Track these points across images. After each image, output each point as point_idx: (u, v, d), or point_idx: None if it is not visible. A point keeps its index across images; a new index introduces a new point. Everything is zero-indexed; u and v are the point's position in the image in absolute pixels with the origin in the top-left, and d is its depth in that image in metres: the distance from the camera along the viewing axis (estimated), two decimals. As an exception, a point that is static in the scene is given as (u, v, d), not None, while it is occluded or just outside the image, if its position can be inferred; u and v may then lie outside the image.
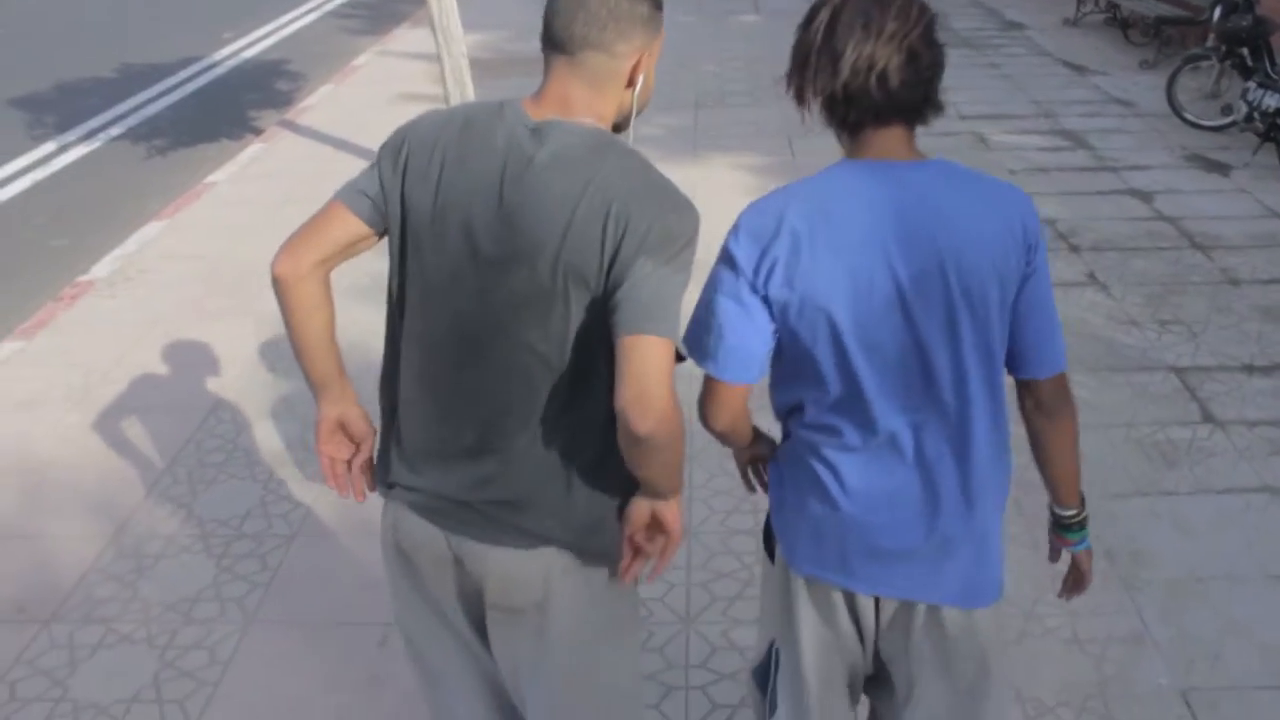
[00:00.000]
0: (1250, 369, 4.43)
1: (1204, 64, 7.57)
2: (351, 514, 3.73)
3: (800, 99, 1.71)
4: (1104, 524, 3.51)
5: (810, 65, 1.67)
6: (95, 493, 3.94)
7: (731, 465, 2.31)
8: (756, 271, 1.66)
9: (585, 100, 1.73)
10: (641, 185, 1.67)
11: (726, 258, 1.69)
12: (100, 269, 5.94)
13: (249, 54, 11.77)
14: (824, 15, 1.65)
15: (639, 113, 1.83)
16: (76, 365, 4.86)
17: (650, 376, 1.56)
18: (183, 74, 10.69)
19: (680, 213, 1.66)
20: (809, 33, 1.68)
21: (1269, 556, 3.38)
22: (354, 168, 7.36)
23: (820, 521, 1.83)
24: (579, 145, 1.69)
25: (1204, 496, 3.67)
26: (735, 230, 1.69)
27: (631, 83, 1.76)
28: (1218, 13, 7.39)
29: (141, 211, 6.89)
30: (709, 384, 1.76)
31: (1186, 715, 2.82)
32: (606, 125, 1.77)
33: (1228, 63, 7.27)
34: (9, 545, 3.69)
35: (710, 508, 3.66)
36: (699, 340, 1.73)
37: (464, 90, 6.46)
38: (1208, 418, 4.10)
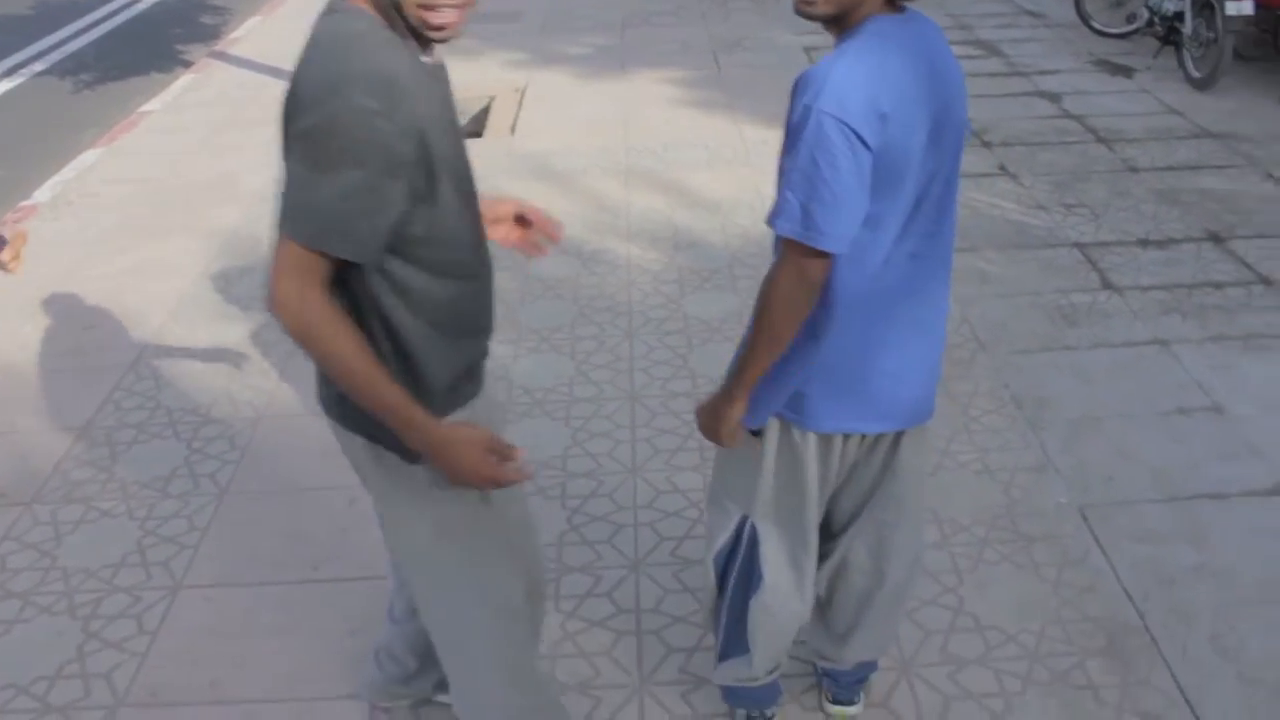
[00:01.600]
0: (1145, 243, 4.79)
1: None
2: (310, 393, 3.94)
3: None
4: (1011, 374, 3.85)
5: None
6: (60, 392, 4.10)
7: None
8: (867, 138, 1.70)
9: None
10: (307, 73, 1.64)
11: (842, 131, 1.68)
12: (41, 194, 6.01)
13: (171, -10, 11.63)
14: None
15: None
16: (26, 282, 4.96)
17: (271, 274, 1.63)
18: (103, 10, 10.58)
19: (320, 104, 1.58)
20: None
21: (1159, 396, 3.74)
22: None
23: (865, 378, 1.97)
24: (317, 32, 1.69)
25: (1101, 350, 4.02)
26: (843, 105, 1.68)
27: None
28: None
29: (77, 141, 6.93)
30: (809, 264, 1.78)
31: (1083, 526, 3.16)
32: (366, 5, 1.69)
33: (1130, -30, 7.61)
34: (-16, 435, 3.86)
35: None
36: (813, 220, 1.73)
37: None
38: (1106, 285, 4.45)
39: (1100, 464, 3.43)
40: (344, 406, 1.84)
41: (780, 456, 2.09)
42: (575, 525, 3.23)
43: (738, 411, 2.00)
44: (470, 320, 1.90)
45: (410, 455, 1.85)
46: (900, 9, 1.81)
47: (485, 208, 1.99)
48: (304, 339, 1.66)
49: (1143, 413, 3.66)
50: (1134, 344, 4.04)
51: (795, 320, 1.84)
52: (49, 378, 4.20)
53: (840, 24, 1.81)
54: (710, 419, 2.06)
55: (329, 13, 1.70)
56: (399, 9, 1.66)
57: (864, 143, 1.69)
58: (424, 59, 1.74)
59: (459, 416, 1.90)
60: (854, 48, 1.74)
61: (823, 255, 1.77)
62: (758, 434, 2.08)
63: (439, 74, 1.80)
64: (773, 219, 1.78)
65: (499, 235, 2.17)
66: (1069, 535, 3.14)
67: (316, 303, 1.64)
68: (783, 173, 1.79)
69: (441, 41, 1.72)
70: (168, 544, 3.29)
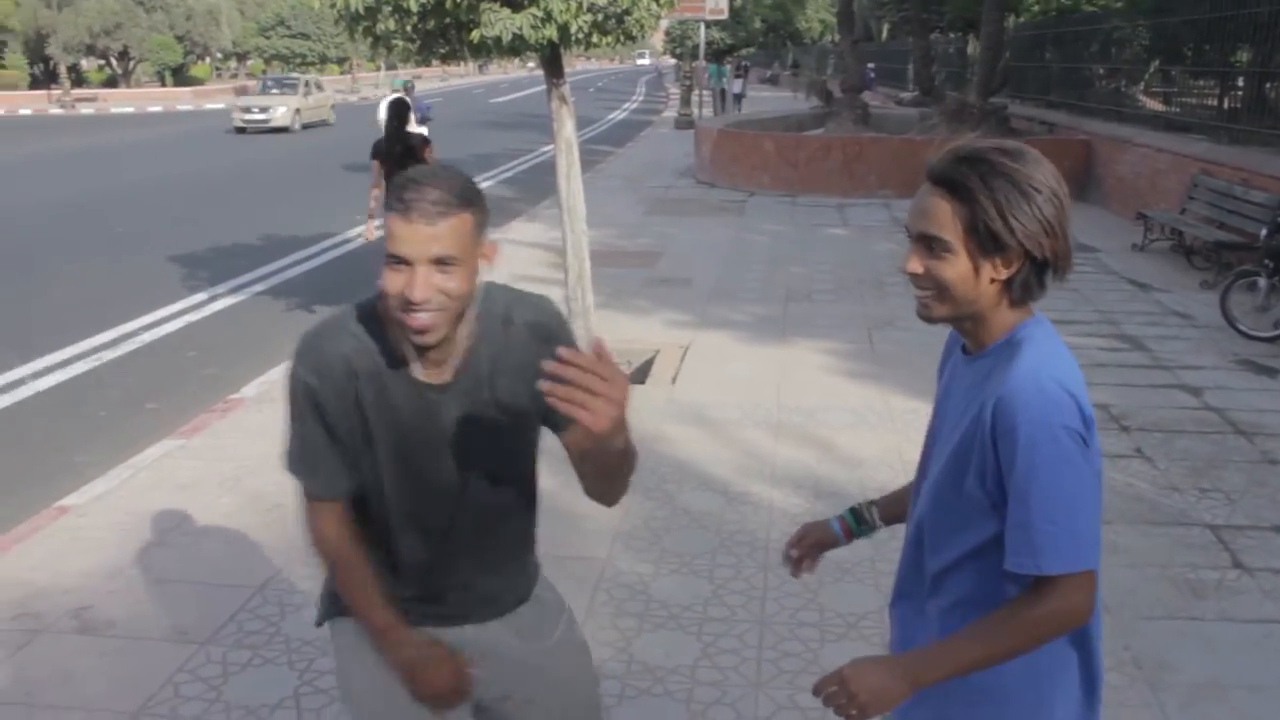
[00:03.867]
0: (1281, 530, 4.86)
1: (1255, 280, 8.17)
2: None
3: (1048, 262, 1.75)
4: (1132, 637, 3.94)
5: (1058, 230, 1.73)
6: (246, 554, 4.57)
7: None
8: (1089, 442, 1.71)
9: None
10: None
11: (1078, 438, 1.68)
12: (249, 390, 6.75)
13: (378, 234, 12.98)
14: (1057, 184, 1.74)
15: None
16: (228, 460, 5.57)
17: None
18: (318, 246, 11.90)
19: None
20: (1058, 198, 1.73)
21: (1284, 673, 3.77)
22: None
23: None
24: None
25: (1229, 624, 4.08)
26: (1077, 406, 1.69)
27: None
28: (1264, 232, 8.02)
29: (282, 350, 7.71)
30: (1083, 595, 1.70)
31: (1197, 786, 3.19)
32: None
33: (1277, 279, 7.87)
34: (176, 587, 4.32)
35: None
36: (1083, 543, 1.68)
37: (581, 264, 7.29)
38: (1237, 564, 4.52)
39: (1225, 730, 3.46)
40: None
41: None
42: (698, 725, 3.43)
43: (906, 691, 1.74)
44: (389, 562, 2.09)
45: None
46: (1029, 310, 1.82)
47: None
48: (313, 552, 2.09)
49: (1271, 686, 3.69)
50: (1264, 621, 4.09)
51: (1049, 636, 1.75)
52: (235, 541, 4.68)
53: (977, 326, 1.82)
54: (871, 686, 1.73)
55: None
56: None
57: (1087, 445, 1.69)
58: (417, 375, 1.94)
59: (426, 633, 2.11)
60: (1038, 352, 1.73)
61: (1090, 574, 1.69)
62: None
63: (423, 390, 1.96)
64: (1036, 562, 1.67)
65: None
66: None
67: (314, 524, 2.05)
68: (1023, 504, 1.68)
69: (428, 346, 1.86)
70: (321, 695, 3.62)
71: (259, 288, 10.01)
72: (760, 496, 5.19)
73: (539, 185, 12.14)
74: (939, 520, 1.88)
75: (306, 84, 34.56)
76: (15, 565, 4.57)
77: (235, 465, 5.53)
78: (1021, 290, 1.77)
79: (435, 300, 1.78)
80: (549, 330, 2.00)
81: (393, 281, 1.78)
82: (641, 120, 34.75)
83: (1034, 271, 1.75)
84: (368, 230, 8.85)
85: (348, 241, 12.42)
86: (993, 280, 1.75)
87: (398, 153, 8.28)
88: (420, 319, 1.79)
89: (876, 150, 16.27)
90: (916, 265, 1.79)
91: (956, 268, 1.75)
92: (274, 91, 34.00)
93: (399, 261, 1.77)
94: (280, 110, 31.94)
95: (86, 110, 38.10)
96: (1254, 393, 6.84)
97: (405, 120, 8.54)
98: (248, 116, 31.91)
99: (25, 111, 32.50)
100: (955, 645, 1.76)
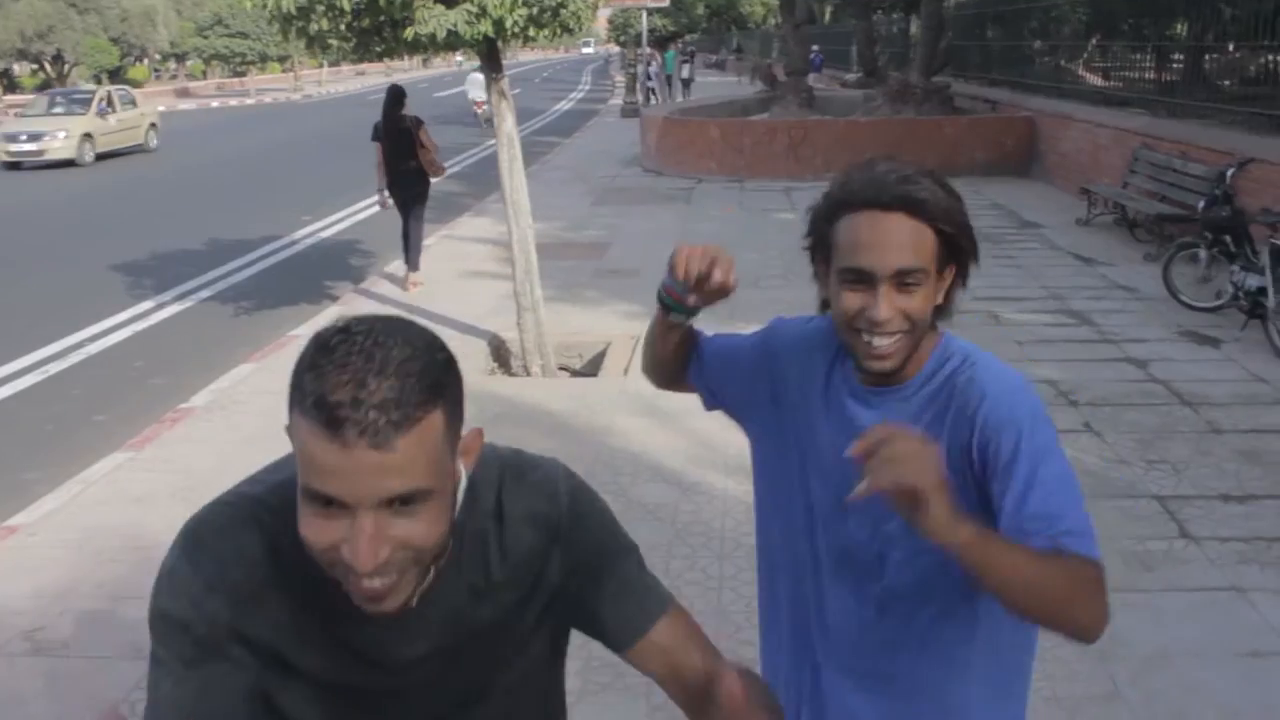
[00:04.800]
0: (1226, 498, 4.95)
1: (1196, 251, 8.30)
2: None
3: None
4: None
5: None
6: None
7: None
8: None
9: None
10: None
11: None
12: (198, 399, 6.68)
13: (325, 235, 12.91)
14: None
15: None
16: (180, 471, 5.51)
17: None
18: (265, 249, 11.77)
19: None
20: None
21: (1233, 638, 3.85)
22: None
23: None
24: None
25: (1176, 594, 4.16)
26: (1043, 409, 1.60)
27: None
28: (1201, 204, 8.16)
29: (231, 356, 7.69)
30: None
31: (1149, 755, 3.25)
32: None
33: (1215, 250, 8.01)
34: (130, 604, 4.26)
35: None
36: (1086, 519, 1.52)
37: (528, 258, 7.27)
38: (1184, 534, 4.61)
39: (1170, 698, 3.53)
40: None
41: None
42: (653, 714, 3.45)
43: (957, 535, 1.36)
44: None
45: None
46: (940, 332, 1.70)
47: None
48: None
49: (1215, 653, 3.76)
50: (1210, 589, 4.17)
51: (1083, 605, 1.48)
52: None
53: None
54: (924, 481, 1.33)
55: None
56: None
57: None
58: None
59: None
60: (988, 358, 1.66)
61: None
62: None
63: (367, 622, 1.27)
64: (1084, 545, 1.46)
65: None
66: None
67: None
68: (1041, 487, 1.49)
69: (383, 613, 1.21)
70: (284, 710, 3.59)
71: (205, 293, 9.90)
72: (714, 486, 5.21)
73: (485, 179, 12.08)
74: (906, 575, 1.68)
75: (108, 98, 24.56)
76: (-37, 587, 4.50)
77: (187, 476, 5.47)
78: (945, 306, 1.65)
79: (396, 560, 1.15)
80: (555, 525, 1.38)
81: (320, 531, 1.14)
82: (588, 109, 34.66)
83: (960, 284, 1.66)
84: (382, 200, 9.92)
85: (295, 243, 12.30)
86: (934, 302, 1.62)
87: (394, 134, 9.45)
88: (373, 588, 1.16)
89: (822, 133, 16.35)
90: (891, 309, 1.55)
91: (927, 295, 1.58)
92: (56, 111, 23.89)
93: (326, 503, 1.13)
94: (60, 137, 22.58)
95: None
96: (1198, 363, 6.96)
97: (401, 104, 9.54)
98: (14, 147, 22.62)
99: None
100: (1009, 546, 1.43)
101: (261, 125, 32.53)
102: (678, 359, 1.95)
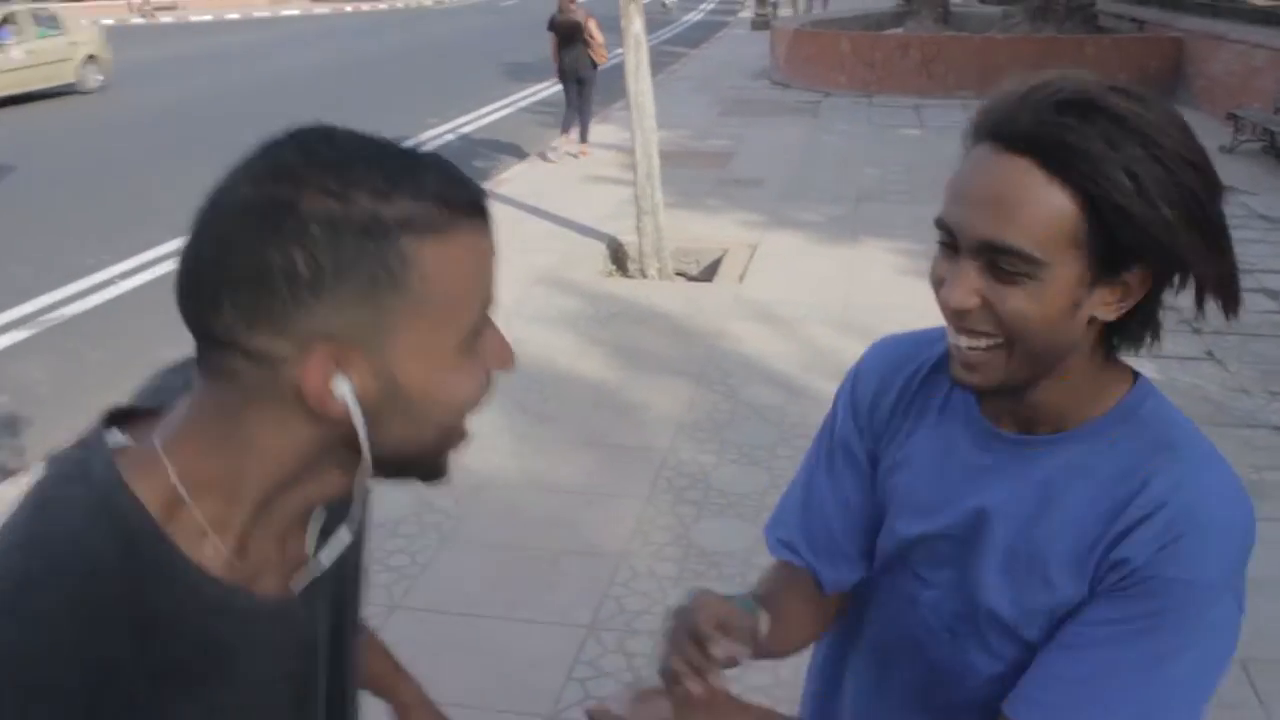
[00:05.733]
0: (1352, 433, 4.81)
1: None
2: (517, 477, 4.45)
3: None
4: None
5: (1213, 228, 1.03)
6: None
7: None
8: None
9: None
10: None
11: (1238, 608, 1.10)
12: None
13: (450, 137, 13.11)
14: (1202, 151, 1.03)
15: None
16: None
17: None
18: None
19: None
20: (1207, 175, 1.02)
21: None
22: (545, 230, 8.32)
23: None
24: None
25: (1288, 523, 4.08)
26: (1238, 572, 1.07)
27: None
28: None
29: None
30: None
31: (1243, 678, 3.25)
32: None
33: (1368, 181, 7.62)
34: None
35: None
36: None
37: (650, 161, 7.30)
38: (1306, 470, 4.50)
39: (1272, 623, 3.49)
40: None
41: None
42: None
43: None
44: None
45: None
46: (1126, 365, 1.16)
47: None
48: None
49: (1323, 582, 3.70)
50: (1324, 521, 4.09)
51: None
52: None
53: (1049, 394, 1.12)
54: None
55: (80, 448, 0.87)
56: (407, 462, 0.91)
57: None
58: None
59: None
60: (1206, 450, 1.12)
61: None
62: None
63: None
64: None
65: None
66: (1227, 685, 3.22)
67: None
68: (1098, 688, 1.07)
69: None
70: (392, 572, 3.81)
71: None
72: (823, 391, 5.24)
73: (612, 88, 12.08)
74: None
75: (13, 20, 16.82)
76: None
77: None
78: (1138, 332, 1.10)
79: None
80: None
81: (476, 374, 0.88)
82: (718, 21, 34.12)
83: (1152, 312, 1.08)
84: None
85: (421, 144, 12.54)
86: (1091, 320, 1.05)
87: (567, 25, 11.03)
88: None
89: (956, 49, 15.86)
90: (968, 296, 1.04)
91: (1043, 298, 1.01)
92: None
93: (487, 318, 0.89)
94: None
95: (166, 19, 38.39)
96: (1337, 297, 6.69)
97: None
98: None
99: (108, 21, 32.78)
100: None
101: (394, 30, 32.97)
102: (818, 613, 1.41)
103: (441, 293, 0.81)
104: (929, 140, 12.17)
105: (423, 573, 3.82)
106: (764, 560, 3.60)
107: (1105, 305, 1.04)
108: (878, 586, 1.32)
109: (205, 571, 0.85)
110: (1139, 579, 1.05)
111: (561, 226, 8.53)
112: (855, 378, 1.37)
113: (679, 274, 7.67)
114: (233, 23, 37.14)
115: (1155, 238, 0.98)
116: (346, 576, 1.06)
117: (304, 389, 0.79)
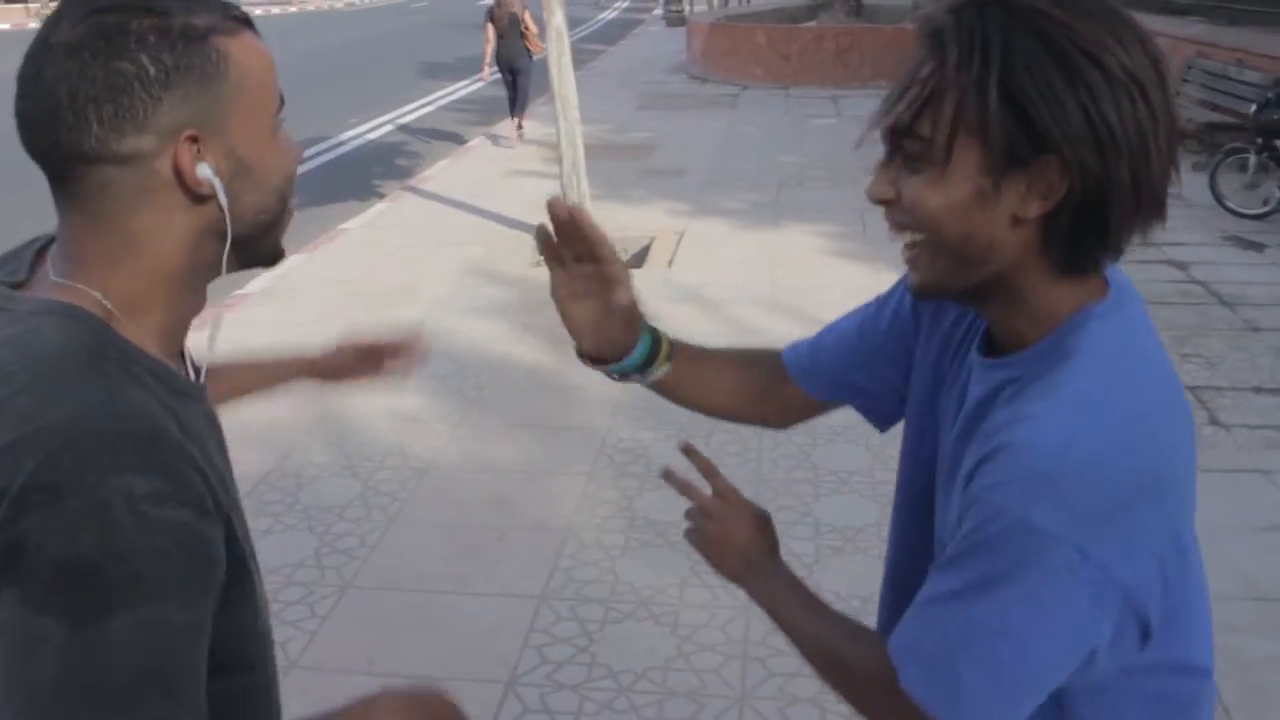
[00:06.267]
0: (1259, 390, 5.04)
1: (1245, 158, 8.25)
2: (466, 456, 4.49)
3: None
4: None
5: (1135, 142, 1.00)
6: (262, 432, 4.74)
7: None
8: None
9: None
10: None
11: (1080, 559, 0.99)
12: (254, 286, 6.88)
13: (372, 136, 13.03)
14: (1144, 61, 1.00)
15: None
16: (240, 350, 5.71)
17: None
18: (314, 149, 11.88)
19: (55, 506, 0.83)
20: (1141, 88, 0.99)
21: (1255, 514, 3.99)
22: (469, 223, 8.32)
23: None
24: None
25: (1201, 474, 4.26)
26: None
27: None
28: (1253, 108, 8.08)
29: (285, 250, 7.88)
30: None
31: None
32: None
33: (1264, 155, 7.96)
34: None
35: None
36: None
37: (576, 153, 7.37)
38: (1214, 422, 4.71)
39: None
40: None
41: None
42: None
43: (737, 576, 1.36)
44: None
45: None
46: (1100, 286, 1.10)
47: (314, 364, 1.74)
48: None
49: (1235, 526, 3.89)
50: (1234, 471, 4.29)
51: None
52: (252, 421, 4.86)
53: (1007, 306, 1.10)
54: (730, 558, 1.36)
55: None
56: (261, 231, 1.06)
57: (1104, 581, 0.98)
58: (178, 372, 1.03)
59: None
60: (1095, 380, 1.02)
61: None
62: None
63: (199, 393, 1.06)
64: (900, 660, 1.06)
65: (347, 378, 1.79)
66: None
67: None
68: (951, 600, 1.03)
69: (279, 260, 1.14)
70: (341, 555, 3.83)
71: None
72: (756, 369, 5.36)
73: (535, 85, 12.12)
74: None
75: None
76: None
77: (247, 354, 5.67)
78: (1066, 246, 1.04)
79: None
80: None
81: (291, 151, 1.08)
82: (633, 18, 34.25)
83: (1086, 215, 1.02)
84: (484, 75, 12.60)
85: (342, 144, 12.44)
86: (1016, 219, 1.02)
87: (504, 17, 11.53)
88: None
89: (870, 40, 16.15)
90: (885, 188, 1.08)
91: (948, 187, 1.02)
92: None
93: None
94: None
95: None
96: (1240, 266, 6.98)
97: None
98: None
99: (4, 27, 31.87)
100: (796, 600, 1.27)
101: (309, 31, 32.51)
102: (731, 399, 1.53)
103: (253, 81, 0.99)
104: (846, 129, 12.38)
105: (372, 554, 3.84)
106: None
107: (1021, 199, 1.01)
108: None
109: (167, 365, 0.99)
110: (969, 502, 1.03)
111: (489, 220, 8.55)
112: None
113: (608, 262, 7.73)
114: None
115: (1050, 137, 0.97)
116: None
117: (180, 170, 0.95)
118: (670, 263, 7.28)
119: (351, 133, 13.14)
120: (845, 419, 4.61)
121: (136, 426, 0.89)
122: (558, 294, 1.32)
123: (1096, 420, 0.99)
